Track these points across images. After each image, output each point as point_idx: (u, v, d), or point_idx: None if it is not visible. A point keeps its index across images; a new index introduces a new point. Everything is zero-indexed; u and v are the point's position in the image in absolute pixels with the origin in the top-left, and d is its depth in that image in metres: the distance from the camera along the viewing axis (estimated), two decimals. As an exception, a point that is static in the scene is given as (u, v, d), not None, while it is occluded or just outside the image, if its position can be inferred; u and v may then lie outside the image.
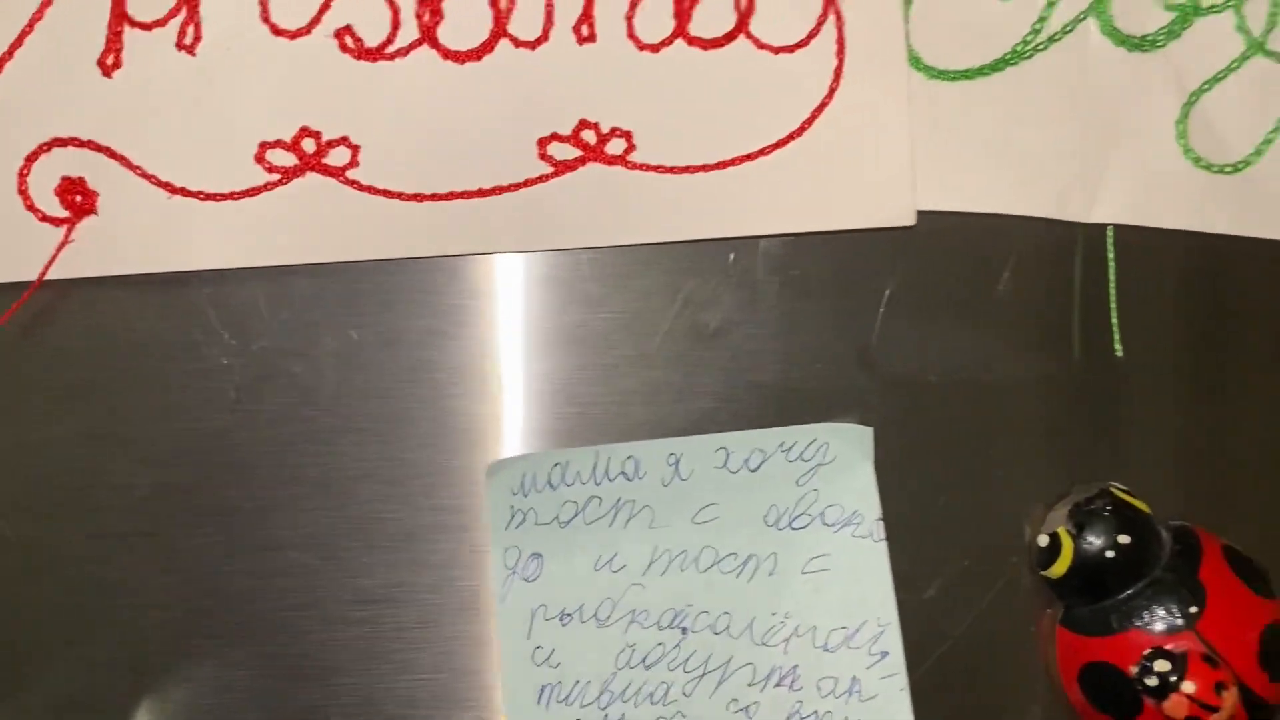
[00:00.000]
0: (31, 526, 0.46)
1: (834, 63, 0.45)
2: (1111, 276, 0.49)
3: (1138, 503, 0.49)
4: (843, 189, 0.46)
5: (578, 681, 0.47)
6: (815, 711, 0.47)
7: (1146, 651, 0.47)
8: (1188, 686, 0.46)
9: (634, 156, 0.45)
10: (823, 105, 0.45)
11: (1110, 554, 0.48)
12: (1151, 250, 0.49)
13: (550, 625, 0.47)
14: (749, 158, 0.45)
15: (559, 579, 0.47)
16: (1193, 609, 0.48)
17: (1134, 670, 0.47)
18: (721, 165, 0.45)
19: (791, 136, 0.45)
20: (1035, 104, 0.47)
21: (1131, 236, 0.49)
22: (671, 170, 0.45)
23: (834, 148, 0.45)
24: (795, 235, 0.47)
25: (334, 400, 0.47)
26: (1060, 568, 0.49)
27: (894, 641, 0.48)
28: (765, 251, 0.48)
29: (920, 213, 0.47)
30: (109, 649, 0.46)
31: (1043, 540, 0.49)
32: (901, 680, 0.47)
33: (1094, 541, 0.48)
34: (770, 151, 0.45)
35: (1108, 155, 0.47)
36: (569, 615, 0.47)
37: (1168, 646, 0.47)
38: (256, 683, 0.46)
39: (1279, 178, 0.48)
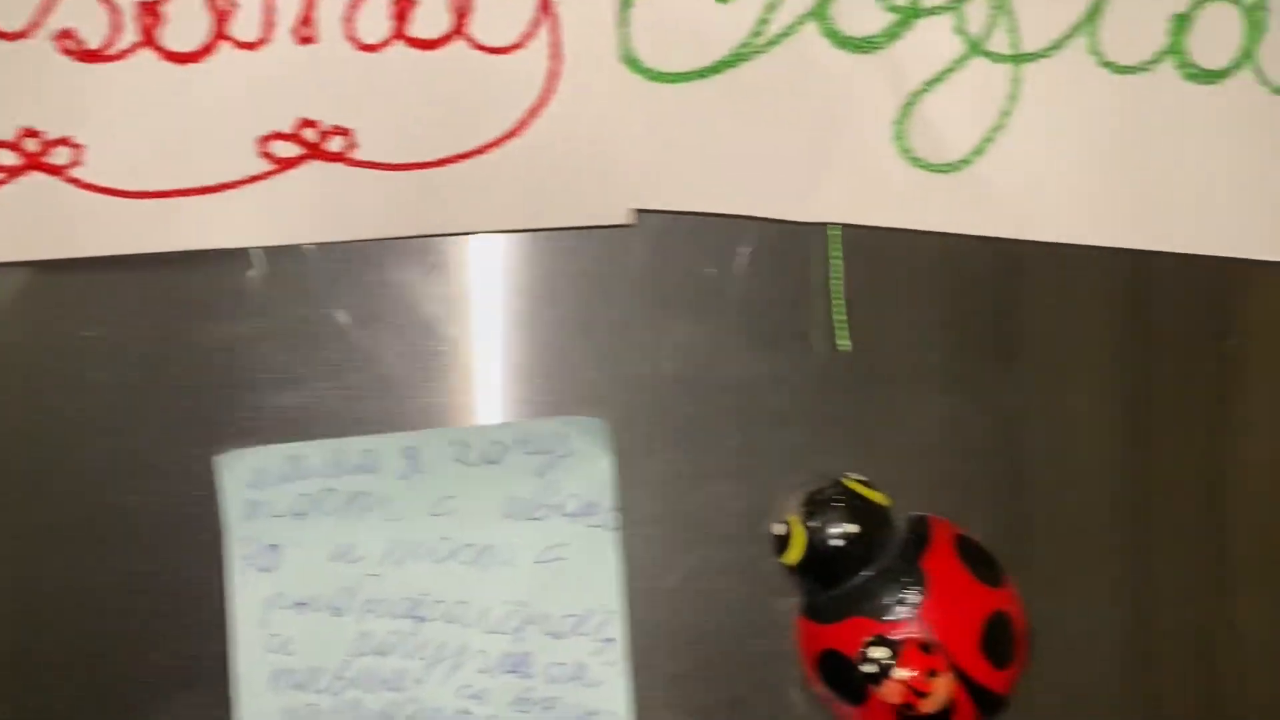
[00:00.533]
0: None
1: (549, 65, 0.46)
2: (836, 274, 0.50)
3: (871, 493, 0.50)
4: (560, 188, 0.47)
5: (312, 668, 0.48)
6: (545, 697, 0.48)
7: (867, 639, 0.48)
8: (901, 673, 0.48)
9: (355, 154, 0.46)
10: (539, 106, 0.46)
11: (837, 542, 0.49)
12: (882, 248, 0.51)
13: (285, 614, 0.48)
14: (466, 156, 0.46)
15: (294, 569, 0.48)
16: (914, 597, 0.49)
17: (857, 657, 0.48)
18: (440, 163, 0.46)
19: (508, 136, 0.46)
20: (755, 106, 0.48)
21: (864, 235, 0.50)
22: (391, 167, 0.46)
23: (551, 148, 0.46)
24: (533, 233, 0.48)
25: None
26: (793, 555, 0.50)
27: (618, 629, 0.49)
28: (502, 249, 0.49)
29: (676, 213, 0.49)
30: None
31: (778, 529, 0.50)
32: (623, 666, 0.49)
33: (823, 530, 0.49)
34: (487, 150, 0.46)
35: (826, 155, 0.48)
36: (304, 604, 0.49)
37: (887, 634, 0.48)
38: None
39: (999, 176, 0.49)
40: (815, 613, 0.50)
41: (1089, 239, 0.50)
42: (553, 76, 0.46)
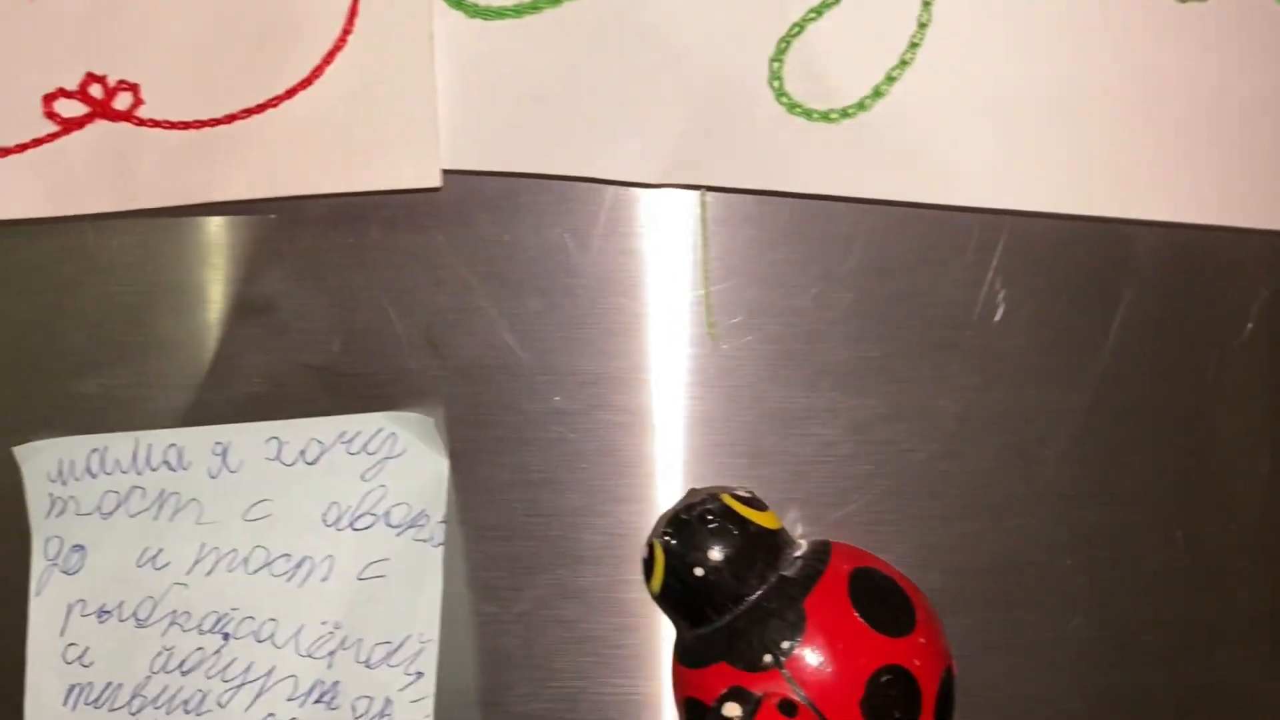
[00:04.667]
0: None
1: (347, 0, 0.39)
2: (704, 245, 0.41)
3: (754, 513, 0.42)
4: (359, 146, 0.40)
5: (110, 684, 0.44)
6: (349, 734, 0.42)
7: (723, 691, 0.40)
8: (752, 736, 0.39)
9: (142, 111, 0.41)
10: (335, 50, 0.39)
11: (699, 571, 0.41)
12: (753, 216, 0.42)
13: (87, 622, 0.44)
14: (258, 110, 0.40)
15: (100, 573, 0.44)
16: (785, 643, 0.40)
17: (711, 712, 0.40)
18: (230, 119, 0.40)
19: (300, 86, 0.40)
20: (594, 47, 0.39)
21: (733, 201, 0.41)
22: (181, 125, 0.41)
23: (348, 99, 0.39)
24: (341, 197, 0.42)
25: None
26: (655, 584, 0.42)
27: (430, 662, 0.42)
28: (314, 216, 0.43)
29: (498, 174, 0.41)
30: None
31: (644, 551, 0.42)
32: (428, 707, 0.42)
33: (685, 555, 0.41)
34: (279, 103, 0.40)
35: (684, 104, 0.39)
36: (108, 612, 0.44)
37: (748, 686, 0.40)
38: None
39: (897, 128, 0.39)
40: (681, 653, 0.42)
41: (1025, 204, 0.39)
42: (352, 14, 0.39)
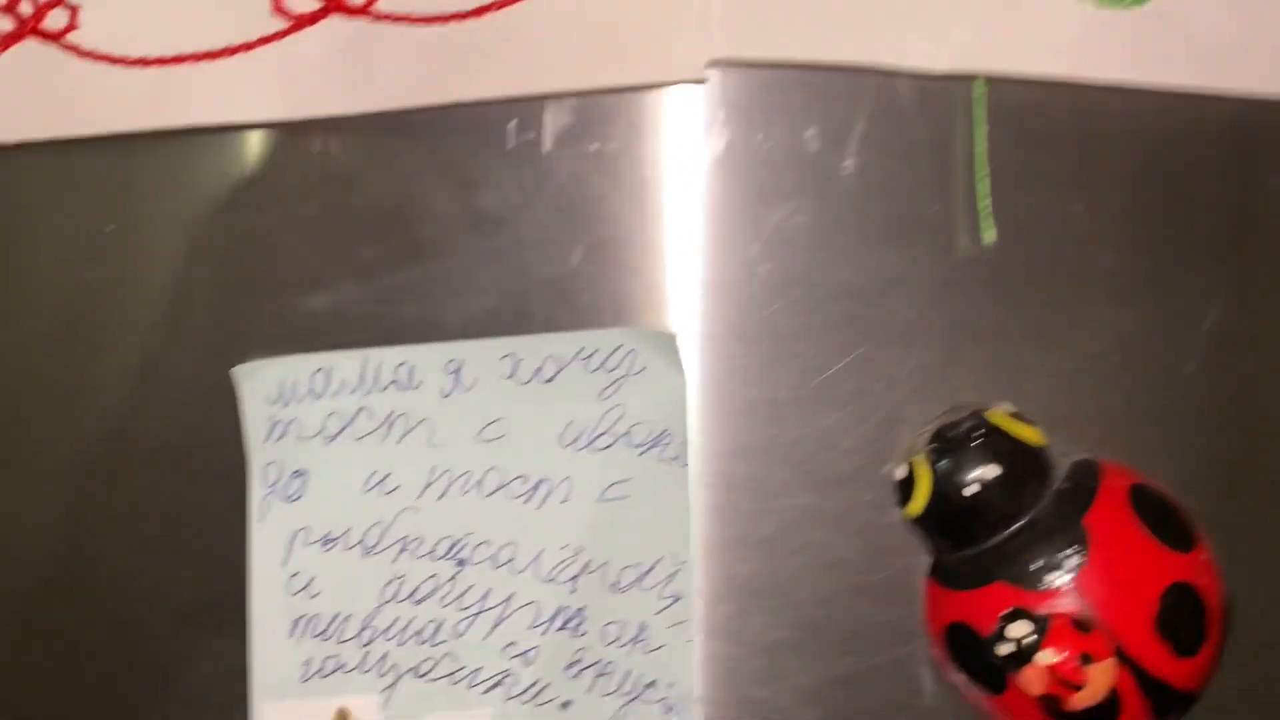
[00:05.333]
0: None
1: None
2: (980, 145, 0.39)
3: (1021, 429, 0.40)
4: (620, 37, 0.38)
5: (337, 614, 0.42)
6: (598, 661, 0.40)
7: (1005, 611, 0.38)
8: (1047, 656, 0.37)
9: (379, 6, 0.39)
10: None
11: (972, 490, 0.39)
12: (1039, 112, 0.39)
13: (311, 551, 0.42)
14: (505, 3, 0.38)
15: (324, 500, 0.42)
16: (1071, 561, 0.38)
17: (992, 633, 0.38)
18: (480, 11, 0.38)
19: (553, -26, 0.38)
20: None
21: (1014, 94, 0.39)
22: (424, 20, 0.39)
23: (606, -12, 0.38)
24: (581, 97, 0.40)
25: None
26: (917, 505, 0.40)
27: (687, 584, 0.40)
28: (553, 120, 0.41)
29: (763, 66, 0.39)
30: None
31: (899, 472, 0.41)
32: (688, 630, 0.40)
33: (954, 475, 0.39)
34: (529, -6, 0.38)
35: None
36: (333, 541, 0.42)
37: (1032, 607, 0.38)
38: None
39: (1196, 11, 0.37)
40: (945, 576, 0.40)
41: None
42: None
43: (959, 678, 0.40)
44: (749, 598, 0.42)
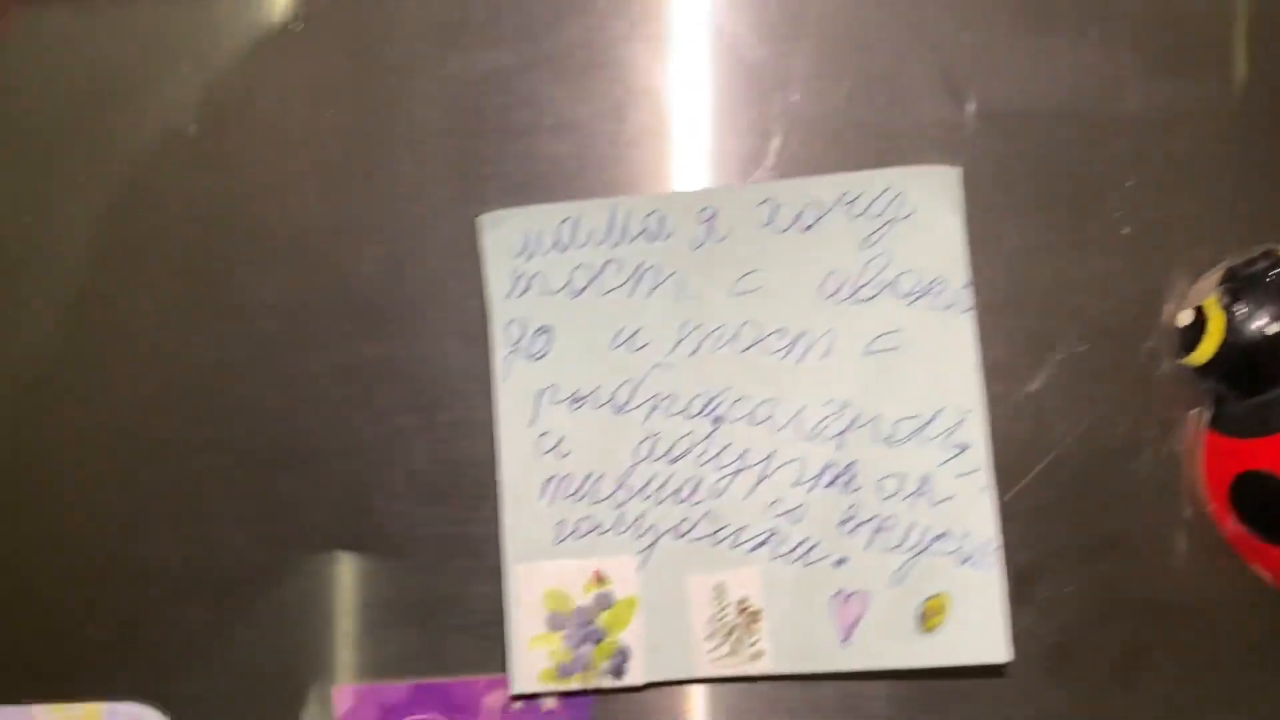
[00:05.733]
0: None
1: None
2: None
3: (1319, 267, 0.38)
4: None
5: (589, 474, 0.40)
6: (874, 517, 0.39)
7: (1312, 455, 0.36)
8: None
9: None
10: None
11: (1274, 329, 0.37)
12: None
13: (558, 410, 0.40)
14: None
15: (570, 357, 0.40)
16: (1385, 402, 0.36)
17: (1298, 481, 0.37)
18: None
19: None
20: None
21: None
22: None
23: None
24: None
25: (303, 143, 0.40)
26: (1206, 351, 0.38)
27: (976, 432, 0.38)
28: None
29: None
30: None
31: (1185, 317, 0.39)
32: (983, 478, 0.38)
33: (1251, 315, 0.37)
34: None
35: None
36: (581, 399, 0.40)
37: (1345, 450, 0.36)
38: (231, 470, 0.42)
39: None
40: (1234, 424, 0.38)
41: None
42: None
43: (1240, 530, 0.39)
44: (1016, 454, 0.40)
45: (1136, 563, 0.40)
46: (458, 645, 0.41)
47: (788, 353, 0.39)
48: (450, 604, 0.41)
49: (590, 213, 0.40)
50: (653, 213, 0.39)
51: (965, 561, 0.38)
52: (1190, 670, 0.40)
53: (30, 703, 0.41)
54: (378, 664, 0.41)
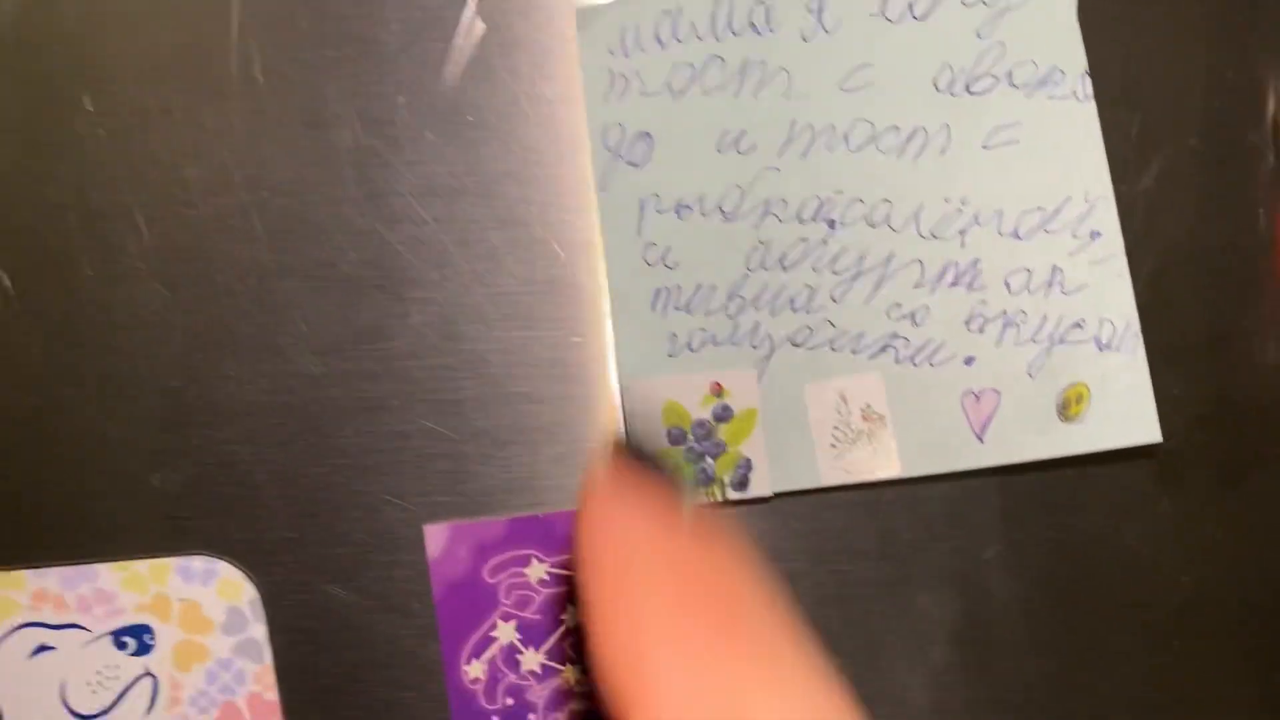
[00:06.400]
0: None
1: None
2: None
3: None
4: None
5: (700, 285, 0.38)
6: (1003, 311, 0.37)
7: None
8: None
9: None
10: None
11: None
12: None
13: (664, 219, 0.38)
14: None
15: (673, 162, 0.38)
16: None
17: None
18: None
19: None
20: None
21: None
22: None
23: None
24: None
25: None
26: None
27: (1107, 219, 0.37)
28: None
29: None
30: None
31: (1298, 103, 0.38)
32: (1119, 264, 0.37)
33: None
34: None
35: None
36: (687, 207, 0.38)
37: None
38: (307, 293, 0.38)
39: None
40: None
41: None
42: None
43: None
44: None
45: (1246, 362, 0.40)
46: (554, 476, 0.39)
47: (903, 150, 0.38)
48: (549, 433, 0.38)
49: (691, 5, 0.37)
50: (759, 4, 0.37)
51: (1104, 348, 0.37)
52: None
53: (94, 561, 0.38)
54: (471, 501, 0.39)
